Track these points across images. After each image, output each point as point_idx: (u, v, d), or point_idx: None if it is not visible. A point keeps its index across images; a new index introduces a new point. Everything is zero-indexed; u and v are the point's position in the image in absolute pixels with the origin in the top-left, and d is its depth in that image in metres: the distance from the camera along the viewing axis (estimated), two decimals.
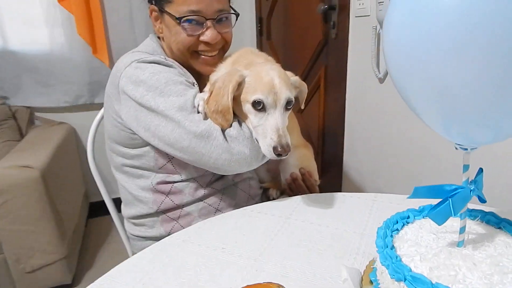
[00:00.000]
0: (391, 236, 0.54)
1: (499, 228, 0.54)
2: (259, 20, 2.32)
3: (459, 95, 0.37)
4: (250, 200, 1.02)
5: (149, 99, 0.79)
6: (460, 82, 0.37)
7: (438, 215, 0.45)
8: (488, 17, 0.35)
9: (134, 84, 0.81)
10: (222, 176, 0.96)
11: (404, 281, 0.45)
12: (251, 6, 2.38)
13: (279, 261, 0.63)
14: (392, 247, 0.51)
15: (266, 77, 0.74)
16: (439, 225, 0.47)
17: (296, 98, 0.89)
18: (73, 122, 2.29)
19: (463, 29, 0.36)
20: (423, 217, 0.58)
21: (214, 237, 0.71)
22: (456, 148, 0.45)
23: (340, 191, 1.01)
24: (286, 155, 0.74)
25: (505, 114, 0.38)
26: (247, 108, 0.76)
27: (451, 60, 0.36)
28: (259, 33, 2.35)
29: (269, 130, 0.74)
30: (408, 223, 0.57)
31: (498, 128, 0.39)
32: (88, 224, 2.33)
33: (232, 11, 0.91)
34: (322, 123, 1.76)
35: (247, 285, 0.50)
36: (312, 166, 1.12)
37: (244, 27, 2.45)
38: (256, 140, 0.78)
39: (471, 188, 0.45)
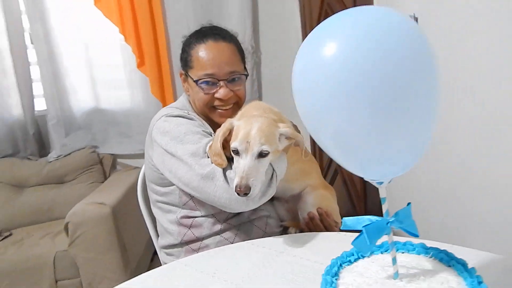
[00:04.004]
0: (341, 266, 0.59)
1: (449, 266, 0.55)
2: None
3: (347, 136, 0.45)
4: (266, 237, 1.10)
5: (171, 146, 0.97)
6: (345, 125, 0.45)
7: (359, 244, 0.50)
8: (360, 72, 0.44)
9: (162, 134, 1.01)
10: (238, 214, 1.08)
11: None
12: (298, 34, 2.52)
13: (254, 286, 0.71)
14: (335, 275, 0.56)
15: (246, 128, 0.86)
16: (364, 254, 0.51)
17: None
18: None
19: (342, 80, 0.45)
20: (381, 253, 0.62)
21: (211, 264, 0.82)
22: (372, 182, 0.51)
23: None
24: (246, 196, 0.82)
25: (389, 153, 0.45)
26: (231, 151, 0.88)
27: (335, 106, 0.45)
28: None
29: (237, 171, 0.85)
30: (364, 256, 0.61)
31: (391, 163, 0.46)
32: (154, 259, 2.57)
33: (244, 73, 1.08)
34: None
35: None
36: (331, 207, 1.16)
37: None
38: None
39: (390, 220, 0.50)
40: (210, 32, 1.06)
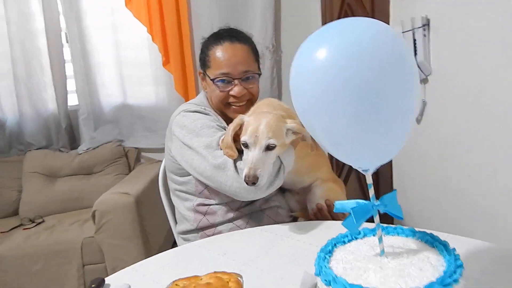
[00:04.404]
0: (335, 245, 0.65)
1: (433, 246, 0.60)
2: None
3: (334, 130, 0.52)
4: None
5: (188, 139, 1.06)
6: (332, 121, 0.52)
7: (348, 224, 0.56)
8: (345, 75, 0.50)
9: (180, 127, 1.09)
10: (250, 203, 1.15)
11: (319, 275, 0.57)
12: None
13: (259, 265, 0.78)
14: (329, 252, 0.62)
15: (255, 123, 0.92)
16: (352, 233, 0.58)
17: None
18: None
19: (332, 81, 0.51)
20: (373, 235, 0.67)
21: (221, 246, 0.90)
22: (359, 171, 0.57)
23: None
24: (254, 185, 0.88)
25: (374, 144, 0.51)
26: (241, 144, 0.95)
27: (324, 105, 0.52)
28: None
29: (246, 162, 0.91)
30: (357, 238, 0.67)
31: (374, 154, 0.52)
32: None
33: (257, 72, 1.15)
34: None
35: (215, 271, 0.67)
36: (339, 199, 1.21)
37: None
38: None
39: (375, 204, 0.56)
40: (227, 34, 1.14)
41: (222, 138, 1.01)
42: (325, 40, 0.53)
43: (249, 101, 1.15)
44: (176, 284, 0.64)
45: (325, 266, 0.57)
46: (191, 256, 0.87)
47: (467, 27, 1.10)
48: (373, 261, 0.58)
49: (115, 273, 0.82)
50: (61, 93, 2.61)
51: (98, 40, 2.59)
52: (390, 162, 1.63)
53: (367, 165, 0.55)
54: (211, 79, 1.12)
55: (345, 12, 2.09)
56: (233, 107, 1.14)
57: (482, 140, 1.09)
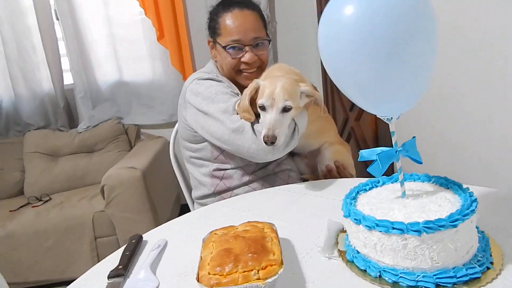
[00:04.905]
0: (358, 193, 0.71)
1: (448, 188, 0.67)
2: None
3: (363, 78, 0.57)
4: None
5: (204, 106, 1.09)
6: (361, 69, 0.56)
7: (373, 169, 0.62)
8: (373, 26, 0.54)
9: (195, 95, 1.13)
10: (264, 166, 1.21)
11: (349, 216, 0.63)
12: (314, 27, 2.62)
13: (284, 217, 0.84)
14: (354, 198, 0.69)
15: (271, 87, 0.97)
16: (377, 177, 0.64)
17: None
18: (168, 136, 2.78)
19: (358, 34, 0.55)
20: (391, 183, 0.74)
21: (244, 204, 0.96)
22: (383, 119, 0.62)
23: None
24: (273, 144, 0.93)
25: (397, 90, 0.56)
26: (258, 108, 1.00)
27: (354, 54, 0.56)
28: None
29: (264, 124, 0.96)
30: (377, 186, 0.74)
31: (398, 101, 0.57)
32: None
33: (266, 38, 1.18)
34: (375, 129, 1.87)
35: (249, 221, 0.73)
36: (347, 161, 1.28)
37: (310, 46, 2.69)
38: None
39: (398, 150, 0.62)
40: (236, 1, 1.15)
41: (238, 103, 1.05)
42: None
43: (259, 67, 1.18)
44: (215, 233, 0.70)
45: (353, 208, 0.63)
46: (217, 215, 0.93)
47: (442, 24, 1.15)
48: (395, 202, 0.64)
49: (151, 231, 0.87)
50: (56, 72, 2.58)
51: (89, 17, 2.55)
52: None
53: (389, 113, 0.60)
54: (222, 47, 1.15)
55: None
56: (244, 73, 1.18)
57: (476, 92, 1.15)
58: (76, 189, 2.45)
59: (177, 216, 0.94)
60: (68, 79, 2.65)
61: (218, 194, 1.22)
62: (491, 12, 1.07)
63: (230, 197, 1.19)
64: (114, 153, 2.55)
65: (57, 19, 2.52)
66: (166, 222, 0.91)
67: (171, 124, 2.76)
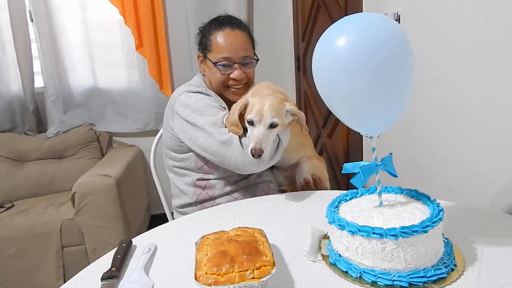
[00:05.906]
0: (340, 202, 0.79)
1: (418, 199, 0.76)
2: (297, 58, 2.67)
3: (350, 100, 0.65)
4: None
5: (192, 117, 1.14)
6: (349, 93, 0.65)
7: (356, 181, 0.70)
8: (360, 57, 0.63)
9: (184, 107, 1.17)
10: (245, 177, 1.26)
11: (333, 223, 0.70)
12: (291, 46, 2.75)
13: (269, 224, 0.90)
14: (337, 206, 0.76)
15: (260, 104, 1.03)
16: (358, 188, 0.72)
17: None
18: (141, 145, 2.77)
19: (349, 63, 0.64)
20: (369, 194, 0.82)
21: (230, 212, 1.01)
22: (366, 136, 0.71)
23: None
24: (259, 157, 0.99)
25: (380, 112, 0.65)
26: (246, 122, 1.06)
27: (343, 80, 0.64)
28: (297, 69, 2.69)
29: (252, 138, 1.02)
30: (356, 196, 0.82)
31: (379, 121, 0.66)
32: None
33: (254, 57, 1.25)
34: (346, 146, 1.99)
35: (239, 227, 0.78)
36: (323, 174, 1.37)
37: (286, 64, 2.81)
38: None
39: (377, 164, 0.70)
40: (228, 21, 1.22)
41: (226, 116, 1.11)
42: (344, 30, 0.66)
43: (246, 84, 1.25)
44: (208, 237, 0.74)
45: (337, 215, 0.71)
46: (205, 221, 0.97)
47: (435, 23, 1.28)
48: (374, 211, 0.72)
49: (140, 235, 0.90)
50: (27, 74, 2.50)
51: (66, 20, 2.51)
52: (361, 145, 1.83)
53: (372, 132, 0.69)
54: (213, 63, 1.20)
55: (317, 5, 2.24)
56: (232, 89, 1.24)
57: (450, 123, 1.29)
58: (43, 196, 2.36)
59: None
60: (39, 82, 2.58)
61: (200, 203, 1.25)
62: (456, 53, 1.21)
63: (212, 206, 1.24)
64: (85, 160, 2.49)
65: (32, 20, 2.46)
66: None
67: (145, 133, 2.76)
